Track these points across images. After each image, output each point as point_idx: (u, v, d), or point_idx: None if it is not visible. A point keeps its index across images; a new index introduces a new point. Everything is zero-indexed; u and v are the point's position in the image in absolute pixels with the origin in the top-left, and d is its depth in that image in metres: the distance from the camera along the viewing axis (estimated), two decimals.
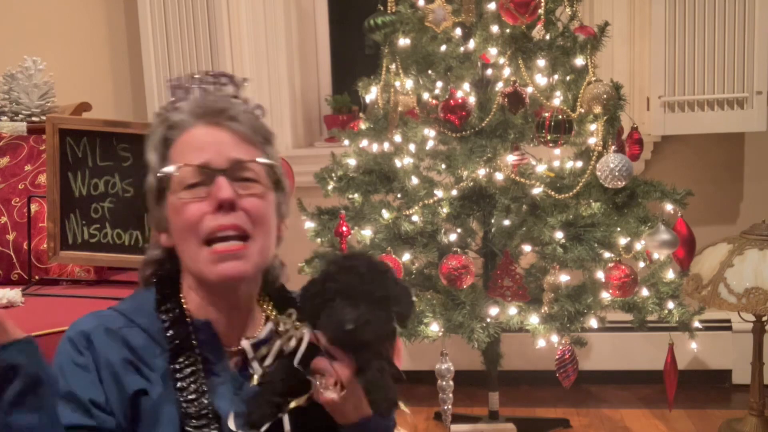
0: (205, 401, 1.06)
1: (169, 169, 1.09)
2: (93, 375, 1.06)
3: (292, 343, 1.08)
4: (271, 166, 1.14)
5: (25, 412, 0.92)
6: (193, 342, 1.10)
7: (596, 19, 2.56)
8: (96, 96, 2.78)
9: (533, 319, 2.17)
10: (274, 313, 1.18)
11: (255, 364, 1.11)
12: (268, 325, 1.15)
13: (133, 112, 3.17)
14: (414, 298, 1.16)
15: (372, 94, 2.42)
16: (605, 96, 2.11)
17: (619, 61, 2.85)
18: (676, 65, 2.71)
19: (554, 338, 2.21)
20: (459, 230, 2.27)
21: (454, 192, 2.22)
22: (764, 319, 2.44)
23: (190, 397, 1.06)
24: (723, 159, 2.94)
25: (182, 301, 1.14)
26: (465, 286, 2.13)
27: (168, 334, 1.10)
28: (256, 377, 1.10)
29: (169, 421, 1.05)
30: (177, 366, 1.08)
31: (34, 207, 2.00)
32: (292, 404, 1.04)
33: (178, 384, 1.07)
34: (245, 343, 1.13)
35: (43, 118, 2.28)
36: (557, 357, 2.22)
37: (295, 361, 1.05)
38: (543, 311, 2.16)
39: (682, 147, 2.93)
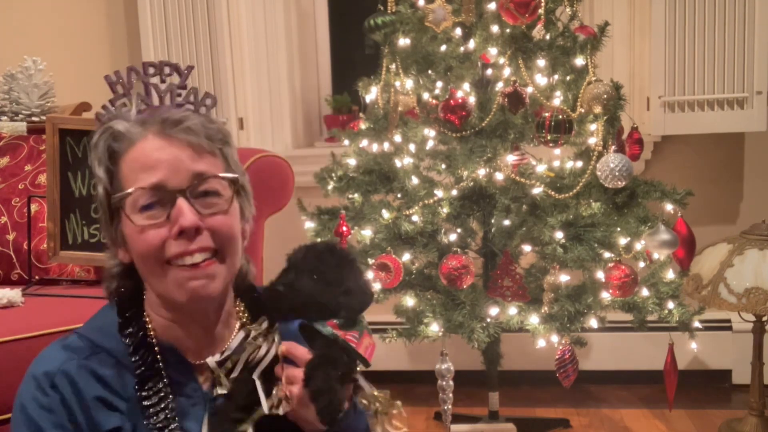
0: (173, 426, 1.04)
1: (123, 194, 1.03)
2: (59, 416, 1.02)
3: (262, 351, 1.05)
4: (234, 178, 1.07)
5: None
6: (160, 365, 1.06)
7: (596, 19, 2.55)
8: (96, 96, 2.77)
9: (533, 319, 2.17)
10: (245, 318, 1.15)
11: (223, 379, 1.07)
12: (240, 335, 1.10)
13: None
14: (372, 292, 1.14)
15: (372, 94, 2.42)
16: (605, 96, 2.11)
17: (619, 61, 2.84)
18: (676, 65, 2.70)
19: (554, 338, 2.21)
20: (459, 230, 2.27)
21: (454, 192, 2.22)
22: (764, 319, 2.44)
23: (159, 425, 1.03)
24: (723, 159, 2.94)
25: (146, 320, 1.10)
26: (465, 286, 2.13)
27: (133, 360, 1.06)
28: (218, 390, 1.06)
29: None
30: (145, 393, 1.04)
31: (34, 207, 2.00)
32: (255, 416, 1.02)
33: (147, 411, 1.04)
34: (210, 361, 1.08)
35: (43, 118, 2.28)
36: (557, 357, 2.22)
37: (255, 374, 1.03)
38: (543, 311, 2.16)
39: (682, 147, 2.92)
